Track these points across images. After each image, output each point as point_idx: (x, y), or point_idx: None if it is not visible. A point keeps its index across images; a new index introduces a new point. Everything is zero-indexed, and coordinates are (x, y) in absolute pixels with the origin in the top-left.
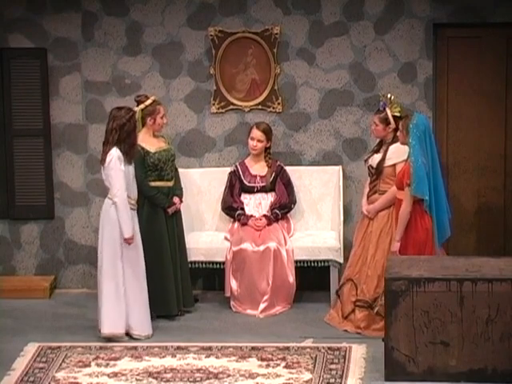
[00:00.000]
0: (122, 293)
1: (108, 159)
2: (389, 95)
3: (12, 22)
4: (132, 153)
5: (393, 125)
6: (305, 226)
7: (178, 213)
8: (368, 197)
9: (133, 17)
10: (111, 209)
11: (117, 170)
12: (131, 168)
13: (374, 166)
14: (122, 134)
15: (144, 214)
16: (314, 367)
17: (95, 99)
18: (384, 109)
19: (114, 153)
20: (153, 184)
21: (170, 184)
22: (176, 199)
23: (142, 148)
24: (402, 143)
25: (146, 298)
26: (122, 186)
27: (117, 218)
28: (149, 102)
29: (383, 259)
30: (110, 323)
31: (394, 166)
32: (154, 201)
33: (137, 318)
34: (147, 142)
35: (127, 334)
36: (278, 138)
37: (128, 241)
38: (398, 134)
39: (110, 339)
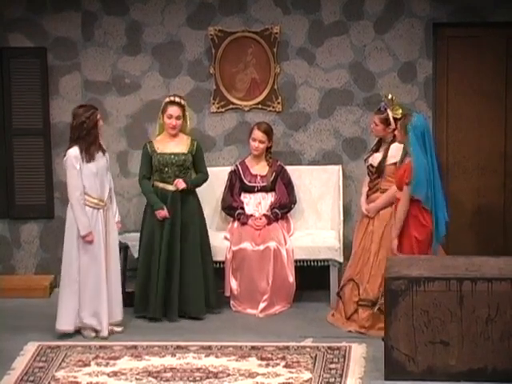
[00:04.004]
0: (76, 293)
1: (64, 158)
2: (390, 96)
3: (12, 22)
4: (91, 151)
5: (393, 126)
6: (305, 225)
7: (190, 216)
8: (368, 196)
9: (133, 16)
10: (68, 207)
11: (70, 170)
12: (93, 166)
13: (375, 164)
14: (82, 132)
15: (149, 212)
16: (314, 366)
17: (95, 98)
18: (385, 109)
19: (71, 152)
20: (156, 184)
21: (171, 188)
22: (178, 181)
23: (152, 146)
24: (400, 142)
25: (103, 299)
26: (74, 185)
27: (73, 217)
28: (166, 100)
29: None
30: (63, 320)
31: (395, 164)
32: (146, 199)
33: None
34: (161, 141)
35: (76, 330)
36: (277, 138)
37: (85, 239)
38: (396, 132)
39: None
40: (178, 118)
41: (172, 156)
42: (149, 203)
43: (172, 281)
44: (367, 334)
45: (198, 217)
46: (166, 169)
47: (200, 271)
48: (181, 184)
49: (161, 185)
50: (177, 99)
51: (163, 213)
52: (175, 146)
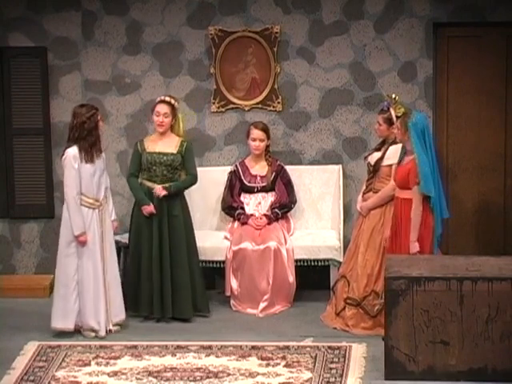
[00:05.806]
0: (71, 292)
1: (63, 157)
2: (393, 95)
3: (12, 21)
4: (93, 151)
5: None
6: (305, 225)
7: (175, 217)
8: (363, 194)
9: (133, 16)
10: (65, 207)
11: (69, 169)
12: (91, 166)
13: (372, 163)
14: (82, 132)
15: (135, 211)
16: (314, 366)
17: (95, 98)
18: (388, 109)
19: (70, 151)
20: (144, 182)
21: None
22: (158, 188)
23: (142, 144)
24: (400, 140)
25: (101, 299)
26: (72, 184)
27: (68, 216)
28: (157, 99)
29: (373, 258)
30: (58, 318)
31: (390, 166)
32: (134, 196)
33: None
34: (152, 140)
35: (77, 330)
36: (278, 137)
37: (78, 239)
38: (396, 130)
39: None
40: (165, 115)
41: (160, 155)
42: (136, 200)
43: (161, 280)
44: (351, 332)
45: (183, 218)
46: (154, 168)
47: (186, 273)
48: (161, 191)
49: (148, 183)
50: (167, 98)
51: (149, 208)
52: (164, 145)
